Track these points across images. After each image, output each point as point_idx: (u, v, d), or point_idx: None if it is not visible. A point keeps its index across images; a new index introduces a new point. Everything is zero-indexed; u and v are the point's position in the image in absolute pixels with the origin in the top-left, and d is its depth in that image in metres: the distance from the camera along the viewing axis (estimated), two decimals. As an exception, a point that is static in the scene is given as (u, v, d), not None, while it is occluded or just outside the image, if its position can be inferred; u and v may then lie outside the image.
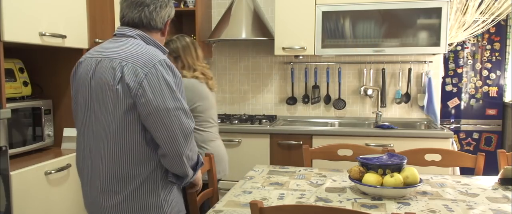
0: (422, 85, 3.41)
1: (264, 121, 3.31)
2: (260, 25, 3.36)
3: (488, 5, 3.73)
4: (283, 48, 3.23)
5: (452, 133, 2.88)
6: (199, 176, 1.72)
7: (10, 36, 2.00)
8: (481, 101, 4.15)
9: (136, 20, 1.53)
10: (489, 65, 4.10)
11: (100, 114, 1.46)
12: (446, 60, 4.12)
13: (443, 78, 3.98)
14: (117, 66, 1.42)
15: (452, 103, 4.19)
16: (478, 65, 4.12)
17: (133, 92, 1.40)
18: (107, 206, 1.48)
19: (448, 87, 4.17)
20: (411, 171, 1.76)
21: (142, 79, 1.40)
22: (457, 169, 2.88)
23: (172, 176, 1.53)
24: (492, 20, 3.79)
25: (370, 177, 1.75)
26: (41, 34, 2.19)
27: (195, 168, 1.58)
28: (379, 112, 3.38)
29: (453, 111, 4.20)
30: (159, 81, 1.41)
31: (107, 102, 1.44)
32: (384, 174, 1.77)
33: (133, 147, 1.45)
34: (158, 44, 1.57)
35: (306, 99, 3.58)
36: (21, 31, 2.08)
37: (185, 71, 2.36)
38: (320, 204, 1.67)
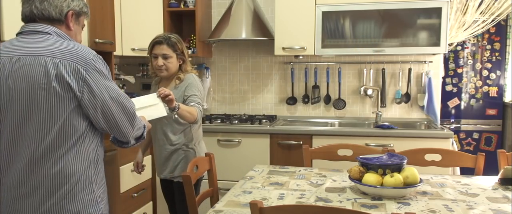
0: (422, 85, 3.41)
1: (264, 121, 3.31)
2: (260, 25, 3.36)
3: (488, 5, 3.73)
4: (283, 48, 3.23)
5: (452, 133, 2.88)
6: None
7: (10, 36, 1.99)
8: (481, 101, 4.15)
9: (27, 13, 1.48)
10: (489, 65, 4.10)
11: (27, 115, 1.40)
12: (446, 60, 4.12)
13: (443, 78, 3.98)
14: (48, 63, 1.38)
15: (452, 103, 4.19)
16: (478, 65, 4.12)
17: (76, 89, 1.39)
18: (41, 210, 1.43)
19: (448, 87, 4.17)
20: (411, 171, 1.76)
21: (84, 76, 1.40)
22: (457, 169, 2.88)
23: (114, 139, 1.59)
24: (492, 20, 3.79)
25: (370, 177, 1.75)
26: (41, 34, 2.19)
27: (139, 139, 1.63)
28: (379, 112, 3.38)
29: (453, 111, 4.20)
30: (100, 75, 1.44)
31: (40, 102, 1.38)
32: (384, 174, 1.77)
33: (70, 145, 1.43)
34: (71, 39, 1.53)
35: (306, 99, 3.58)
36: (21, 31, 2.08)
37: (188, 67, 2.39)
38: (320, 204, 1.67)
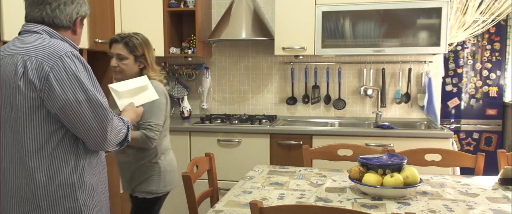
0: (422, 85, 3.41)
1: (264, 121, 3.31)
2: (260, 25, 3.36)
3: (488, 5, 3.73)
4: (283, 48, 3.23)
5: (452, 133, 2.88)
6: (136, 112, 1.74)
7: (10, 36, 1.99)
8: (481, 101, 4.15)
9: (38, 19, 1.45)
10: (489, 65, 4.10)
11: (3, 116, 1.39)
12: (446, 60, 4.12)
13: (443, 78, 3.98)
14: (19, 62, 1.35)
15: (452, 103, 4.19)
16: (478, 65, 4.12)
17: (38, 87, 1.33)
18: None
19: (448, 87, 4.17)
20: (411, 171, 1.76)
21: (47, 73, 1.33)
22: (457, 169, 2.88)
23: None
24: (492, 20, 3.79)
25: (370, 177, 1.75)
26: (41, 34, 2.19)
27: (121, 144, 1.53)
28: (379, 112, 3.38)
29: (453, 111, 4.20)
30: (67, 74, 1.34)
31: (9, 102, 1.36)
32: (384, 174, 1.77)
33: (41, 148, 1.37)
34: (65, 38, 1.48)
35: (306, 99, 3.58)
36: (21, 31, 2.08)
37: (151, 73, 2.14)
38: (320, 204, 1.67)
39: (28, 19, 1.48)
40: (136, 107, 1.75)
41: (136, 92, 1.80)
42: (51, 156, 1.39)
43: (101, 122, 1.39)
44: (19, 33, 1.49)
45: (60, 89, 1.33)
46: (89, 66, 1.43)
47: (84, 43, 2.49)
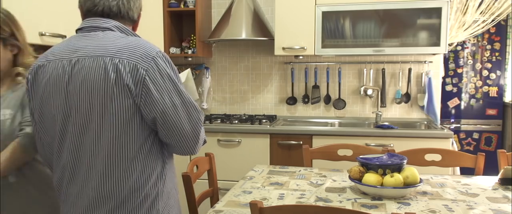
0: (422, 85, 3.41)
1: (264, 121, 3.31)
2: (260, 25, 3.36)
3: (488, 5, 3.73)
4: (283, 48, 3.23)
5: (452, 133, 2.88)
6: None
7: (10, 36, 2.00)
8: (481, 101, 4.15)
9: (113, 8, 1.30)
10: (489, 65, 4.10)
11: (86, 124, 1.25)
12: (446, 60, 4.12)
13: (443, 78, 3.99)
14: (108, 65, 1.21)
15: (452, 103, 4.19)
16: (478, 65, 4.12)
17: (134, 93, 1.21)
18: None
19: (448, 87, 4.17)
20: (411, 171, 1.76)
21: (143, 76, 1.20)
22: (457, 169, 2.88)
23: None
24: (492, 20, 3.79)
25: (370, 177, 1.75)
26: (41, 34, 2.19)
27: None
28: (379, 112, 3.38)
29: (453, 111, 4.20)
30: (162, 77, 1.23)
31: (100, 109, 1.23)
32: (384, 174, 1.77)
33: (136, 155, 1.27)
34: (137, 36, 1.36)
35: (306, 99, 3.58)
36: (21, 31, 2.08)
37: (28, 59, 1.57)
38: (320, 204, 1.67)
39: (99, 9, 1.30)
40: None
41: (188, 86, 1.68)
42: (143, 162, 1.28)
43: (195, 125, 1.30)
44: (80, 30, 1.34)
45: (157, 94, 1.22)
46: (175, 66, 1.32)
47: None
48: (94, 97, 1.22)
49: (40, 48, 2.38)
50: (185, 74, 1.75)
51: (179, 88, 1.27)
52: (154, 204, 1.32)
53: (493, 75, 4.10)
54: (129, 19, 1.37)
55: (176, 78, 1.28)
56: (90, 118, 1.24)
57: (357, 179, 1.79)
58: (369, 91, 3.44)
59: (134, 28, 1.41)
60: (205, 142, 1.42)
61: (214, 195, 2.12)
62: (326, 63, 3.54)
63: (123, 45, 1.25)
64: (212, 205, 2.09)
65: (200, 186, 2.22)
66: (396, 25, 3.02)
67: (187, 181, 1.82)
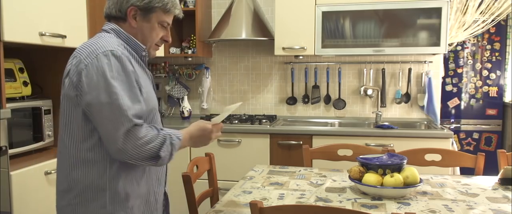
0: (422, 85, 3.41)
1: (264, 121, 3.31)
2: (260, 25, 3.36)
3: (488, 5, 3.73)
4: (283, 48, 3.22)
5: (452, 133, 2.88)
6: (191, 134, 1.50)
7: (10, 36, 2.00)
8: (481, 101, 4.15)
9: (107, 12, 1.47)
10: (489, 65, 4.10)
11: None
12: (446, 60, 4.12)
13: (443, 78, 3.98)
14: (70, 59, 1.38)
15: (452, 103, 4.19)
16: (478, 65, 4.12)
17: (74, 85, 1.32)
18: (58, 207, 1.44)
19: (448, 87, 4.17)
20: (411, 171, 1.76)
21: (82, 70, 1.30)
22: (457, 169, 2.88)
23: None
24: (492, 20, 3.79)
25: (370, 177, 1.75)
26: (41, 34, 2.20)
27: (162, 151, 1.35)
28: (379, 112, 3.38)
29: (453, 111, 4.20)
30: (97, 73, 1.29)
31: (60, 102, 1.40)
32: (384, 174, 1.77)
33: (78, 146, 1.36)
34: (129, 39, 1.45)
35: (306, 99, 3.58)
36: (21, 31, 2.08)
37: None
38: (320, 204, 1.67)
39: (104, 15, 1.51)
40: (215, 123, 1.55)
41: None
42: (86, 155, 1.36)
43: (116, 130, 1.28)
44: None
45: (87, 88, 1.30)
46: (130, 68, 1.34)
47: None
48: (61, 91, 1.40)
49: (40, 48, 2.38)
50: (233, 107, 1.67)
51: (111, 88, 1.29)
52: (101, 202, 1.37)
53: (493, 75, 4.10)
54: (119, 18, 1.46)
55: (114, 77, 1.30)
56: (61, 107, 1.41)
57: (357, 179, 1.79)
58: (369, 91, 3.44)
59: (130, 24, 1.46)
60: (160, 157, 1.34)
61: (214, 195, 2.12)
62: (326, 63, 3.54)
63: (90, 43, 1.38)
64: (212, 205, 2.09)
65: (200, 186, 2.22)
66: (396, 25, 3.02)
67: (187, 181, 1.82)
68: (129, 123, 1.28)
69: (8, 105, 2.05)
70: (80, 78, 1.31)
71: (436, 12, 2.96)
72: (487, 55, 4.09)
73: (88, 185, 1.37)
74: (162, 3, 1.45)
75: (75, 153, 1.37)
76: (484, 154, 2.22)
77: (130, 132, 1.28)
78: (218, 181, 2.22)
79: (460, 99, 4.18)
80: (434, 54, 3.27)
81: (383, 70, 3.42)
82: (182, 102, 3.63)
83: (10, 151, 2.05)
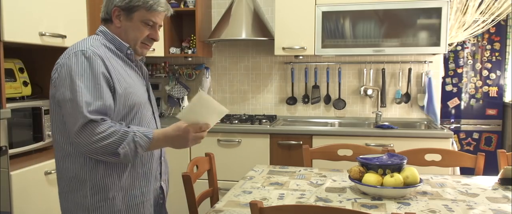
0: (422, 85, 3.41)
1: (264, 121, 3.31)
2: (260, 25, 3.36)
3: (488, 5, 3.73)
4: (283, 48, 3.22)
5: (452, 133, 2.88)
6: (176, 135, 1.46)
7: (10, 36, 2.00)
8: (481, 101, 4.15)
9: (100, 14, 1.56)
10: (489, 65, 4.10)
11: None
12: (446, 60, 4.12)
13: (443, 78, 3.98)
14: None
15: (452, 103, 4.19)
16: (478, 65, 4.12)
17: (52, 83, 1.45)
18: (58, 193, 1.56)
19: (448, 87, 4.17)
20: (411, 171, 1.76)
21: (56, 69, 1.43)
22: (457, 169, 2.88)
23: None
24: (492, 20, 3.79)
25: (370, 177, 1.75)
26: (41, 34, 2.20)
27: (123, 149, 1.37)
28: (379, 112, 3.38)
29: (453, 111, 4.20)
30: (65, 72, 1.39)
31: (49, 97, 1.52)
32: (384, 174, 1.77)
33: (62, 139, 1.47)
34: (114, 39, 1.51)
35: (306, 99, 3.58)
36: (21, 31, 2.08)
37: None
38: (320, 204, 1.67)
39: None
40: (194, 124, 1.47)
41: (209, 112, 1.49)
42: (69, 149, 1.45)
43: (74, 121, 1.35)
44: None
45: (57, 85, 1.41)
46: (103, 68, 1.40)
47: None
48: None
49: (40, 48, 2.38)
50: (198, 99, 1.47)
51: (74, 86, 1.36)
52: (82, 193, 1.45)
53: (493, 75, 4.10)
54: (108, 20, 1.54)
55: (79, 76, 1.37)
56: None
57: (357, 179, 1.79)
58: (369, 91, 3.44)
59: (115, 24, 1.53)
60: (119, 154, 1.36)
61: (214, 195, 2.12)
62: (326, 63, 3.54)
63: (73, 44, 1.48)
64: (212, 205, 2.09)
65: (200, 186, 2.22)
66: (396, 25, 3.02)
67: (187, 181, 1.82)
68: (84, 118, 1.33)
69: (8, 105, 2.06)
70: (54, 76, 1.43)
71: (436, 12, 2.96)
72: (487, 55, 4.09)
73: (73, 176, 1.46)
74: (143, 1, 1.50)
75: (62, 146, 1.47)
76: (484, 154, 2.22)
77: (86, 127, 1.34)
78: (218, 181, 2.22)
79: (460, 99, 4.18)
80: (434, 54, 3.27)
81: (383, 70, 3.42)
82: (182, 102, 3.63)
83: (10, 151, 2.04)
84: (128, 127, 1.41)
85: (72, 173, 1.46)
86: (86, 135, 1.34)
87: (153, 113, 1.63)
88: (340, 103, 3.53)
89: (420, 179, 1.77)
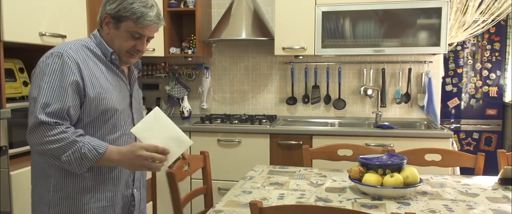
0: (422, 85, 3.41)
1: (264, 121, 3.31)
2: (260, 25, 3.36)
3: (488, 5, 3.72)
4: (283, 48, 3.22)
5: (452, 133, 2.88)
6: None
7: (10, 36, 2.00)
8: (481, 101, 4.15)
9: (97, 19, 1.60)
10: (489, 65, 4.10)
11: None
12: (446, 60, 4.12)
13: (443, 78, 3.98)
14: None
15: (452, 103, 4.19)
16: (478, 65, 4.12)
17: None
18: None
19: (448, 87, 4.17)
20: (411, 171, 1.76)
21: (36, 67, 1.47)
22: (457, 169, 2.88)
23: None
24: (492, 20, 3.79)
25: (370, 177, 1.75)
26: (41, 34, 2.20)
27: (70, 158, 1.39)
28: (379, 112, 3.38)
29: (453, 111, 4.20)
30: (38, 71, 1.44)
31: None
32: (384, 174, 1.77)
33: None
34: (101, 43, 1.55)
35: (306, 99, 3.58)
36: (21, 31, 2.08)
37: None
38: (320, 204, 1.67)
39: None
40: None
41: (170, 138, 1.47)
42: (34, 160, 1.54)
43: (30, 119, 1.40)
44: None
45: (32, 81, 1.47)
46: (72, 71, 1.42)
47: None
48: None
49: (40, 48, 2.38)
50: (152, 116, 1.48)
51: (41, 84, 1.40)
52: (44, 206, 1.51)
53: (493, 75, 4.10)
54: (101, 25, 1.58)
55: (48, 75, 1.41)
56: None
57: (357, 179, 1.79)
58: (369, 91, 3.44)
59: (105, 31, 1.56)
60: (63, 162, 1.38)
61: (208, 193, 2.11)
62: (326, 63, 3.54)
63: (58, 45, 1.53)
64: (206, 203, 2.09)
65: (198, 186, 2.22)
66: (396, 25, 3.02)
67: (171, 179, 1.78)
68: (35, 119, 1.37)
69: (8, 105, 2.05)
70: (32, 73, 1.48)
71: (436, 12, 2.96)
72: (487, 55, 4.09)
73: (41, 170, 1.51)
74: (130, 13, 1.50)
75: (34, 154, 1.54)
76: (484, 154, 2.22)
77: (38, 127, 1.37)
78: (218, 181, 2.22)
79: (460, 99, 4.18)
80: (434, 54, 3.27)
81: (383, 70, 3.42)
82: (182, 102, 3.63)
83: (10, 151, 2.04)
84: (83, 136, 1.41)
85: (41, 167, 1.50)
86: (37, 135, 1.37)
87: (133, 119, 1.63)
88: (340, 104, 3.53)
89: (420, 179, 1.77)
